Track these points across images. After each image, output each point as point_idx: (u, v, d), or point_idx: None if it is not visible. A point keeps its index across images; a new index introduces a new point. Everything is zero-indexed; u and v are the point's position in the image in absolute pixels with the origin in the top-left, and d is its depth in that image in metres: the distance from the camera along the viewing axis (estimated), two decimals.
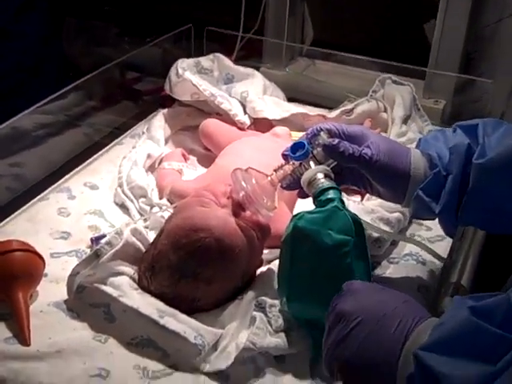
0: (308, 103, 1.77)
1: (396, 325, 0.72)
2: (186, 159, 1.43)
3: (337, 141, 0.99)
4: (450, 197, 0.98)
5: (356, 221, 0.95)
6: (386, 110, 1.51)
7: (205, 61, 1.58)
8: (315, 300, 0.92)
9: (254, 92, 1.49)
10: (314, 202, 0.98)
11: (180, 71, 1.47)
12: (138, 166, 1.32)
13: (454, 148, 0.99)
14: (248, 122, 1.45)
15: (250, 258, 1.02)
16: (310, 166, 1.01)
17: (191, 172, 1.39)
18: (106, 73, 1.59)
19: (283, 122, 1.49)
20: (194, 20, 1.88)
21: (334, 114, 1.49)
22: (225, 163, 1.25)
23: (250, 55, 1.94)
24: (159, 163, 1.40)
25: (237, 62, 1.85)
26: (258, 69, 1.85)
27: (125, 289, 1.01)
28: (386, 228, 1.16)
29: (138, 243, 1.07)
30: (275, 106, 1.50)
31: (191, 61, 1.56)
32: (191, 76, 1.46)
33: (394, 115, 1.46)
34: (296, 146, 1.02)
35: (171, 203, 1.23)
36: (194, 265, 0.98)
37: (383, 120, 1.51)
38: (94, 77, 1.54)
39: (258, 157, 1.23)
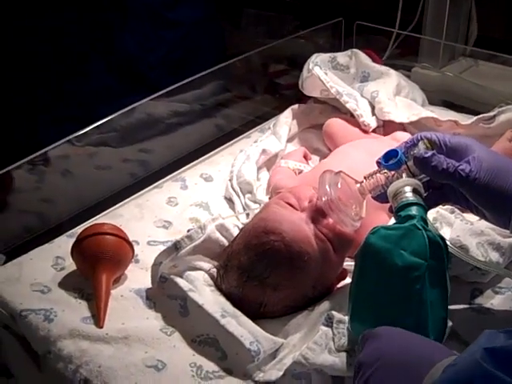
0: (462, 108, 1.65)
1: (412, 372, 0.64)
2: (307, 159, 1.40)
3: (430, 153, 0.90)
4: None
5: (436, 243, 0.85)
6: None
7: (341, 57, 1.53)
8: (377, 324, 0.84)
9: (385, 92, 1.41)
10: (394, 217, 0.90)
11: (311, 66, 1.44)
12: (250, 161, 1.31)
13: None
14: (373, 123, 1.37)
15: (323, 269, 0.97)
16: (402, 177, 0.93)
17: None
18: (246, 63, 1.60)
19: (414, 126, 1.39)
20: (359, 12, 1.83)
21: (470, 120, 1.36)
22: (327, 164, 1.20)
23: (405, 53, 1.84)
24: None
25: (389, 59, 1.78)
26: (410, 68, 1.77)
27: (198, 284, 1.01)
28: (496, 254, 1.03)
29: (223, 239, 1.07)
30: (406, 108, 1.40)
31: (326, 56, 1.51)
32: (319, 71, 1.41)
33: None
34: (390, 154, 0.94)
35: None
36: (261, 268, 0.95)
37: None
38: (233, 65, 1.55)
39: (364, 160, 1.15)
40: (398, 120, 1.37)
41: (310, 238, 0.96)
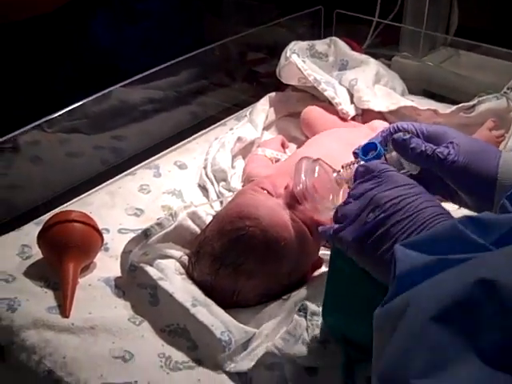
0: (443, 97, 1.63)
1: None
2: (284, 147, 1.37)
3: (409, 136, 0.88)
4: None
5: None
6: None
7: (320, 45, 1.50)
8: (352, 316, 0.82)
9: (364, 80, 1.38)
10: None
11: (288, 53, 1.41)
12: (225, 149, 1.28)
13: None
14: (352, 112, 1.35)
15: (299, 255, 0.94)
16: None
17: None
18: (224, 49, 1.56)
19: (394, 115, 1.37)
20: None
21: (449, 110, 1.34)
22: (302, 153, 1.17)
23: (386, 42, 1.81)
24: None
25: (370, 48, 1.76)
26: (391, 57, 1.74)
27: (168, 272, 0.97)
28: None
29: (195, 227, 1.04)
30: (385, 97, 1.38)
31: (305, 44, 1.48)
32: (298, 59, 1.38)
33: None
34: (368, 147, 0.92)
35: None
36: (235, 254, 0.92)
37: None
38: (209, 52, 1.52)
39: (340, 150, 1.13)
40: (376, 109, 1.34)
41: (287, 222, 0.93)
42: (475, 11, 1.84)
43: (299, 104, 1.47)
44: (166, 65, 1.40)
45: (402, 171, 0.90)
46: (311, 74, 1.37)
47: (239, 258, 0.92)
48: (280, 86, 1.55)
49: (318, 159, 0.97)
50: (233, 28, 2.39)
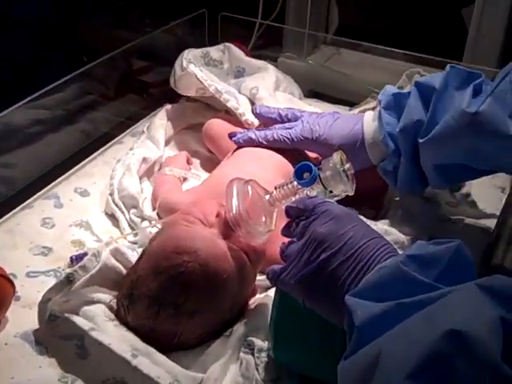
0: (329, 97, 1.64)
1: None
2: (189, 163, 1.31)
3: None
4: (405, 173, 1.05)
5: None
6: None
7: (214, 51, 1.44)
8: (305, 355, 0.79)
9: (265, 88, 1.35)
10: None
11: (184, 63, 1.34)
12: (132, 172, 1.20)
13: (403, 130, 1.01)
14: (256, 122, 1.31)
15: (240, 287, 0.89)
16: (315, 189, 0.89)
17: (195, 181, 1.25)
18: (109, 62, 1.47)
19: None
20: (216, 3, 1.75)
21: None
22: (221, 176, 1.12)
23: (270, 43, 1.80)
24: (159, 168, 1.28)
25: (254, 50, 1.73)
26: (276, 59, 1.73)
27: (99, 320, 0.89)
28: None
29: (120, 266, 0.95)
30: (287, 103, 1.36)
31: (198, 51, 1.42)
32: (196, 69, 1.32)
33: None
34: (302, 168, 0.89)
35: (160, 218, 1.11)
36: (175, 293, 0.85)
37: None
38: (96, 66, 1.42)
39: (259, 170, 1.10)
40: None
41: (227, 253, 0.87)
42: (354, 9, 1.87)
43: (196, 115, 1.42)
44: (52, 86, 1.29)
45: (338, 191, 0.89)
46: (212, 84, 1.31)
47: (180, 296, 0.85)
48: (172, 96, 1.49)
49: (250, 180, 0.93)
50: (99, 28, 2.28)
